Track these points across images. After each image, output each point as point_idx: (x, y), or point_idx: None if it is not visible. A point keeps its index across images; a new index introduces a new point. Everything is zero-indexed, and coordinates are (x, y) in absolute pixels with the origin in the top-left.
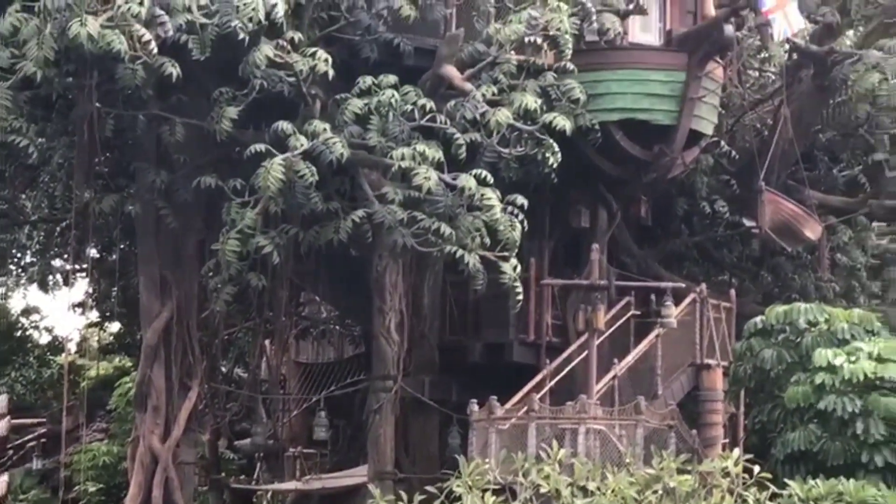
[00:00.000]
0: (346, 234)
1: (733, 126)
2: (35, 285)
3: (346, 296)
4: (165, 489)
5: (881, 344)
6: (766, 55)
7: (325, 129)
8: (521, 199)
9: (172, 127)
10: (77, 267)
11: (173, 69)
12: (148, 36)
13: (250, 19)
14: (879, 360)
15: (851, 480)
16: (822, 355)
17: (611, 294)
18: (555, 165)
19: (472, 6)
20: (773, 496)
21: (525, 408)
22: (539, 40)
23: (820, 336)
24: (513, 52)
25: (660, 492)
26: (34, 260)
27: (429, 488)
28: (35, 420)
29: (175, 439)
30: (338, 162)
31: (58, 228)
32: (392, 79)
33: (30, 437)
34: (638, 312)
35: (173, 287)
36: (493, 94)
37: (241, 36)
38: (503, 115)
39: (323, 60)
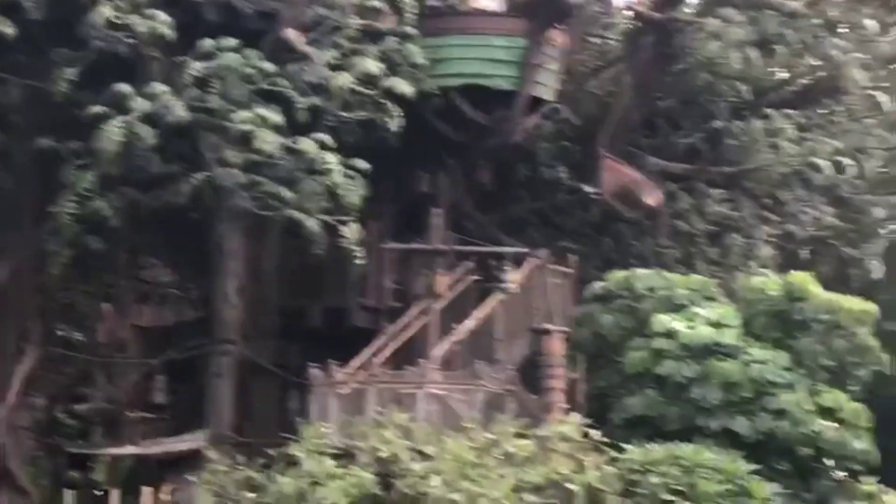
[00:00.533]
0: (186, 198)
1: (575, 92)
2: None
3: (187, 259)
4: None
5: (719, 310)
6: (608, 22)
7: (164, 92)
8: (362, 164)
9: (8, 88)
10: None
11: (8, 29)
12: None
13: None
14: (717, 325)
15: (688, 444)
16: (661, 321)
17: (451, 259)
18: (396, 130)
19: None
20: (612, 460)
21: (365, 372)
22: (381, 5)
23: (659, 302)
24: (355, 16)
25: (498, 456)
26: None
27: (268, 452)
28: None
29: (10, 404)
30: (178, 125)
31: None
32: (233, 41)
33: None
34: (479, 278)
35: (10, 251)
36: (335, 59)
37: None
38: (344, 80)
39: (163, 22)
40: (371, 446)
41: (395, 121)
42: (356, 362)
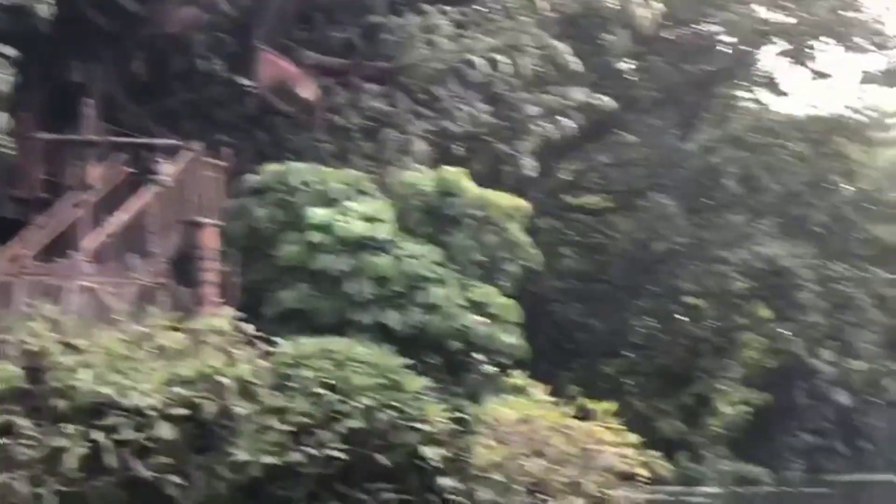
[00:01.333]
0: None
1: None
2: None
3: None
4: None
5: (373, 205)
6: None
7: None
8: (10, 51)
9: None
10: None
11: None
12: None
13: None
14: (370, 220)
15: (341, 338)
16: (315, 215)
17: (104, 150)
18: (47, 17)
19: None
20: (264, 354)
21: (13, 264)
22: None
23: (313, 196)
24: None
25: (150, 349)
26: None
27: None
28: None
29: None
30: None
31: None
32: None
33: None
34: (132, 170)
35: None
36: None
37: None
38: None
39: None
40: (19, 339)
41: (45, 7)
42: (5, 254)
